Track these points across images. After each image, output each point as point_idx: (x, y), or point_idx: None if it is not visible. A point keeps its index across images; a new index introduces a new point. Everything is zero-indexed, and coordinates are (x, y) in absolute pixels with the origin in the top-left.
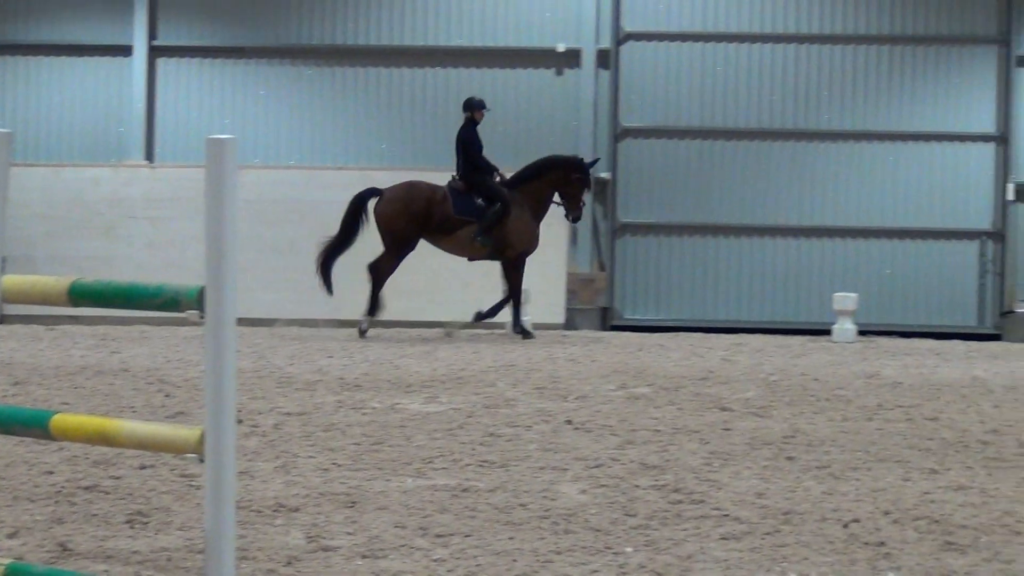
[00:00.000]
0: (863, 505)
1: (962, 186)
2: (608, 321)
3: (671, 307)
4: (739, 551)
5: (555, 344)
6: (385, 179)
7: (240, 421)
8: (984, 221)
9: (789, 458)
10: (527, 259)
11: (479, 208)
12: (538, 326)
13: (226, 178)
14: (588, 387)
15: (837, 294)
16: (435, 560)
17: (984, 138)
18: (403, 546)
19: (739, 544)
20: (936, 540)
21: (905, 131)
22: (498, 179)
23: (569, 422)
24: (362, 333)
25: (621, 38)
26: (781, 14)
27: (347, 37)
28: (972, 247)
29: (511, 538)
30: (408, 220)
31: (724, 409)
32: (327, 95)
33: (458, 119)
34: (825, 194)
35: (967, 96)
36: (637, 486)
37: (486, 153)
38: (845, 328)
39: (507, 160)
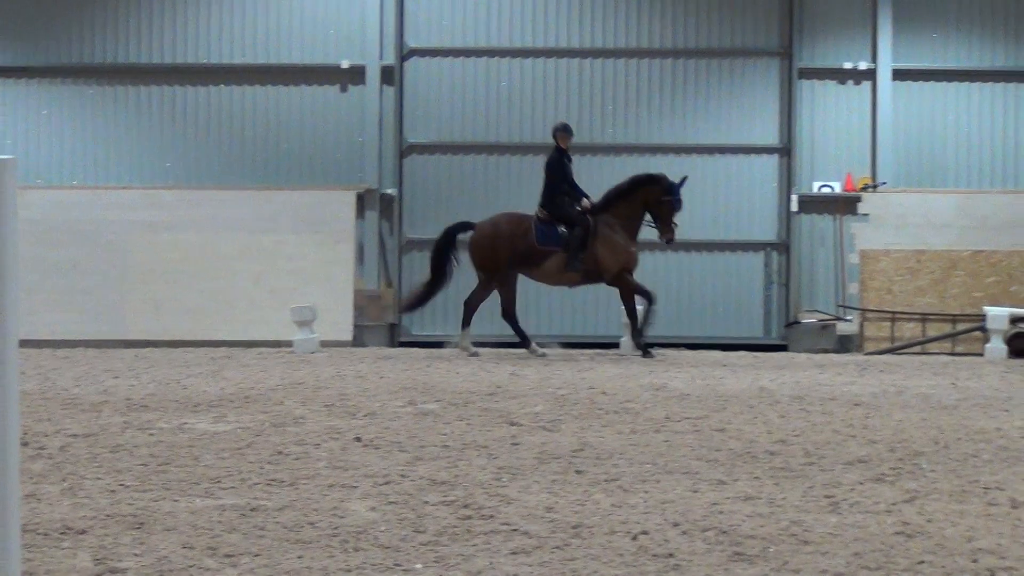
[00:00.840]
0: (652, 517)
1: (747, 198)
2: (396, 338)
3: (458, 323)
4: (529, 565)
5: (343, 361)
6: (170, 199)
7: (25, 444)
8: (769, 232)
9: (578, 472)
10: (627, 274)
11: (562, 237)
12: (326, 344)
13: (6, 199)
14: (377, 404)
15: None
16: None
17: (768, 150)
18: (192, 567)
19: (529, 558)
20: (725, 551)
21: (690, 144)
22: (587, 203)
23: (358, 439)
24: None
25: (405, 54)
26: (564, 29)
27: (130, 55)
28: (757, 259)
29: (300, 557)
30: (493, 256)
31: (513, 424)
32: (110, 114)
33: (243, 136)
34: None
35: (751, 108)
36: (426, 502)
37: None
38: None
39: (292, 179)
